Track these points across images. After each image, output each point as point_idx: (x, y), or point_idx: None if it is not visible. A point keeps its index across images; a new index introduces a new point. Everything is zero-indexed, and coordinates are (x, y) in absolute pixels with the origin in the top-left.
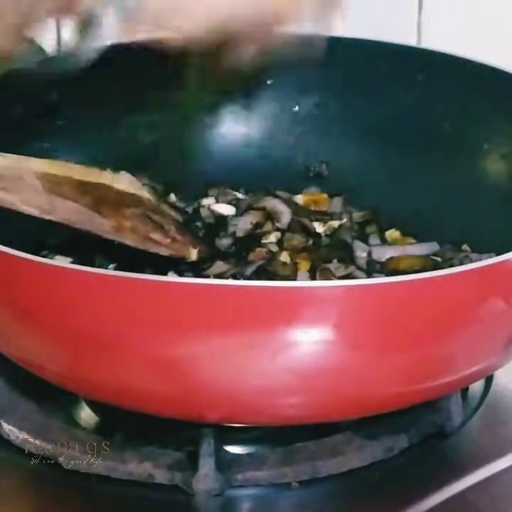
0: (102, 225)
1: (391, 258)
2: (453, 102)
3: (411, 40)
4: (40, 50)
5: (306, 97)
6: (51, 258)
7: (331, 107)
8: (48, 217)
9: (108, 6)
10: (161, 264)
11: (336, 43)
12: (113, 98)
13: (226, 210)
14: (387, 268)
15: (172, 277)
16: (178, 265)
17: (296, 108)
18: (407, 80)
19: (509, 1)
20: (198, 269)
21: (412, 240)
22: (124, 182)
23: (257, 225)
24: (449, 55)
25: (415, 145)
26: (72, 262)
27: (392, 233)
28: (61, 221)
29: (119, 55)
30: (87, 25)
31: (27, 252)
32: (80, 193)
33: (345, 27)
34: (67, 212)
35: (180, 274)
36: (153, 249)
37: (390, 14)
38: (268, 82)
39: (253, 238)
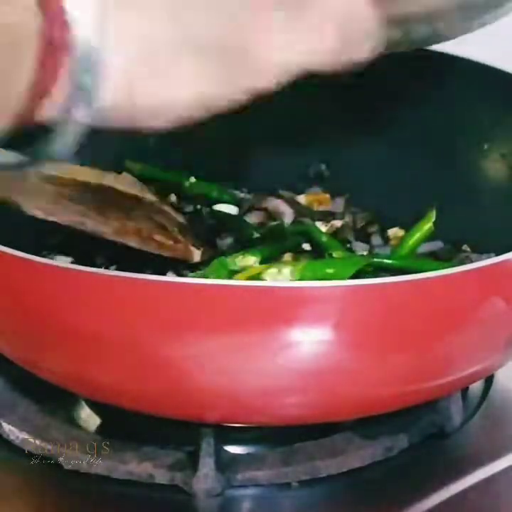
0: (105, 227)
1: None
2: (453, 102)
3: None
4: None
5: (306, 98)
6: (51, 258)
7: (331, 107)
8: (51, 218)
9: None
10: (160, 265)
11: None
12: None
13: (228, 210)
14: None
15: (172, 277)
16: (178, 265)
17: (296, 108)
18: (407, 80)
19: None
20: (198, 269)
21: None
22: (126, 183)
23: (259, 225)
24: (449, 55)
25: (415, 145)
26: (72, 262)
27: (396, 232)
28: (64, 222)
29: None
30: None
31: (27, 252)
32: (83, 194)
33: None
34: (71, 213)
35: (180, 274)
36: (156, 250)
37: None
38: None
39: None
